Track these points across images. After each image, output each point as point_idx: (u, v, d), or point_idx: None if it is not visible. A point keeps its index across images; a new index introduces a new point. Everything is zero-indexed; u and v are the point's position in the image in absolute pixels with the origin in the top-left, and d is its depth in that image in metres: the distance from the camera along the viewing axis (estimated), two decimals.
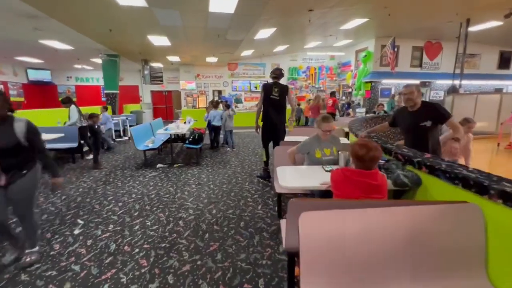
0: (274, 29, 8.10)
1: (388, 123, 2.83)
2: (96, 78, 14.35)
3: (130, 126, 9.12)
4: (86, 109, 7.69)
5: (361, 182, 1.58)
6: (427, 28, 10.27)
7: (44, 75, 13.55)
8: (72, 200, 3.54)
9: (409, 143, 2.44)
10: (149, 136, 5.72)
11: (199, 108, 10.99)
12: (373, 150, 1.56)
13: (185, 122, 6.43)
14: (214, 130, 6.51)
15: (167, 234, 2.64)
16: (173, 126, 5.52)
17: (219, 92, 13.69)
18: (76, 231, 2.69)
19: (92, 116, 5.14)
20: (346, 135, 4.66)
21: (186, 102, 12.28)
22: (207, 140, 6.98)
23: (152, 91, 14.70)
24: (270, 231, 2.67)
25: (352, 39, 11.73)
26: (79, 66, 12.56)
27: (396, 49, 10.57)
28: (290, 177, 2.19)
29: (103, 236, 2.60)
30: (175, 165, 5.07)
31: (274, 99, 4.06)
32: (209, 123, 6.47)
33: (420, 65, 12.14)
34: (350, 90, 13.09)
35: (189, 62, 12.31)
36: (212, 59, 11.26)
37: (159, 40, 7.74)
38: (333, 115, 8.45)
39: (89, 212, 3.16)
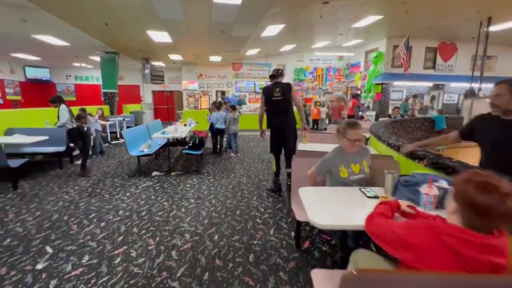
0: (283, 25, 7.51)
1: (458, 135, 2.07)
2: (96, 77, 13.82)
3: (128, 127, 8.59)
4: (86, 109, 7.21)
5: (478, 262, 0.83)
6: (442, 27, 9.63)
7: (42, 73, 13.06)
8: (47, 217, 2.93)
9: (495, 164, 1.69)
10: (145, 139, 5.15)
11: (201, 109, 10.45)
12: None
13: (185, 125, 5.85)
14: (217, 133, 5.98)
15: (155, 271, 2.02)
16: (171, 129, 4.92)
17: (222, 92, 13.13)
18: (40, 266, 2.07)
19: (80, 117, 4.53)
20: (365, 142, 4.16)
21: (188, 103, 11.73)
22: (209, 144, 6.44)
23: (153, 91, 14.17)
24: (288, 270, 2.04)
25: (362, 39, 11.12)
26: (78, 64, 12.06)
27: (409, 50, 9.96)
28: (320, 207, 1.58)
29: (73, 274, 1.99)
30: (173, 173, 4.48)
31: (276, 101, 3.48)
32: (211, 126, 5.95)
33: (434, 67, 11.48)
34: (359, 92, 12.47)
35: (191, 61, 11.77)
36: (215, 58, 10.71)
37: (159, 36, 7.18)
38: (351, 117, 8.07)
39: (63, 235, 2.56)
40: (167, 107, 14.42)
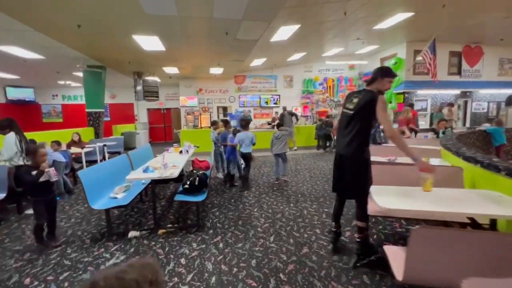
0: (298, 26, 6.18)
1: None
2: None
3: (113, 153, 7.05)
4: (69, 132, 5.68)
5: None
6: (468, 28, 8.34)
7: (26, 94, 11.64)
8: None
9: None
10: (123, 176, 3.58)
11: (201, 128, 9.01)
12: None
13: (181, 151, 4.32)
14: (242, 158, 4.64)
15: None
16: (158, 163, 3.26)
17: (224, 108, 11.74)
18: None
19: (32, 153, 2.96)
20: None
21: (186, 121, 10.28)
22: (211, 171, 4.89)
23: (148, 109, 12.76)
24: None
25: (378, 45, 9.85)
26: (62, 82, 10.69)
27: (435, 54, 8.67)
28: None
29: None
30: (160, 232, 2.86)
31: (346, 114, 2.29)
32: (232, 150, 4.54)
33: (459, 73, 10.16)
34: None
35: (189, 74, 10.44)
36: (216, 70, 9.37)
37: (149, 43, 5.80)
38: (414, 131, 6.76)
39: None
40: (164, 126, 12.94)
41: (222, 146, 5.06)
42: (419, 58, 9.24)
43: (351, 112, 2.18)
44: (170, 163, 3.28)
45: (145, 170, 2.98)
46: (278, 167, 4.80)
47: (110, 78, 10.29)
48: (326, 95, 11.80)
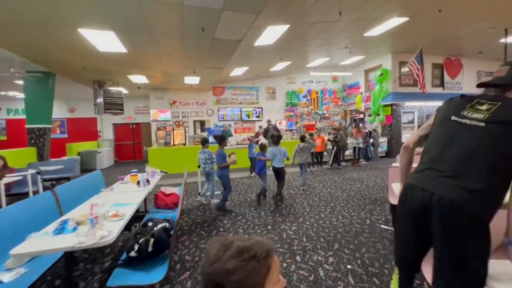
0: (287, 27, 5.31)
1: None
2: None
3: (57, 181, 5.49)
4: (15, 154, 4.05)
5: None
6: (450, 40, 8.11)
7: None
8: None
9: None
10: (42, 228, 2.17)
11: (174, 145, 7.63)
12: None
13: (139, 182, 3.05)
14: (275, 174, 4.40)
15: None
16: (83, 216, 1.82)
17: (202, 122, 10.53)
18: None
19: None
20: None
21: (157, 138, 8.85)
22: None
23: (115, 124, 11.11)
24: None
25: (363, 55, 9.41)
26: (3, 93, 8.84)
27: (423, 64, 8.32)
28: None
29: None
30: None
31: (466, 127, 1.16)
32: (262, 165, 4.34)
33: (442, 85, 10.00)
34: (361, 115, 10.57)
35: (161, 84, 9.15)
36: (192, 80, 8.22)
37: (103, 40, 4.51)
38: None
39: None
40: (133, 143, 11.33)
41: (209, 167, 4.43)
42: (405, 69, 8.86)
43: (483, 124, 1.12)
44: (111, 208, 2.01)
45: (61, 229, 1.69)
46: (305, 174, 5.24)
47: (66, 88, 8.72)
48: (310, 108, 11.10)
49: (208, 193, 4.58)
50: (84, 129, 10.73)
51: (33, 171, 4.18)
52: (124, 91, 9.24)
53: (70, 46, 4.81)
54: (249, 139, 7.44)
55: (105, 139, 10.73)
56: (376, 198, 4.50)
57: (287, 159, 4.37)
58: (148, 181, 3.15)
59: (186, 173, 3.82)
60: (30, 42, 4.56)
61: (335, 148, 7.33)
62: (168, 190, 3.36)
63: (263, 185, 4.44)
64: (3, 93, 8.76)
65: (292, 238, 2.96)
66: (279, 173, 4.30)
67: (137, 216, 2.88)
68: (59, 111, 10.57)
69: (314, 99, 11.12)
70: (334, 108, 11.57)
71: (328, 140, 7.54)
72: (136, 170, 3.72)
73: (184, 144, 7.68)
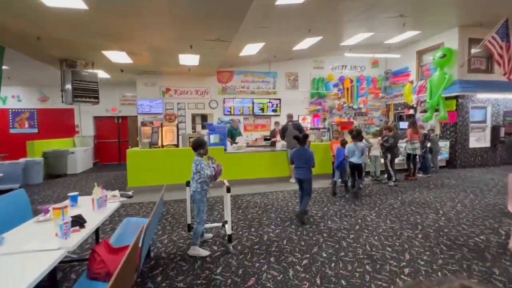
0: None
1: None
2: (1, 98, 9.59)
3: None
4: None
5: None
6: None
7: None
8: None
9: None
10: None
11: (163, 146, 6.32)
12: None
13: (65, 225, 1.75)
14: (352, 170, 5.06)
15: None
16: None
17: (203, 117, 9.25)
18: None
19: None
20: None
21: (142, 135, 7.49)
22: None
23: (96, 118, 10.06)
24: None
25: (419, 30, 7.77)
26: None
27: (510, 40, 6.66)
28: None
29: None
30: None
31: None
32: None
33: None
34: (410, 111, 8.97)
35: (150, 67, 7.87)
36: (190, 59, 6.86)
37: None
38: None
39: None
40: (119, 142, 10.22)
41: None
42: (478, 49, 7.24)
43: None
44: None
45: None
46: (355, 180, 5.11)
47: (35, 72, 7.63)
48: (342, 100, 9.59)
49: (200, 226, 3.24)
50: (58, 123, 9.65)
51: None
52: (104, 74, 8.10)
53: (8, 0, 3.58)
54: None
55: (84, 136, 9.63)
56: (476, 242, 3.03)
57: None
58: (80, 224, 1.82)
59: (163, 195, 2.52)
60: None
61: (388, 156, 5.86)
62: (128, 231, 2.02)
63: (343, 178, 5.20)
64: None
65: None
66: (359, 169, 4.98)
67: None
68: (28, 100, 9.59)
69: (347, 89, 9.59)
70: (372, 102, 9.98)
71: (381, 143, 6.06)
72: (76, 194, 2.43)
73: (176, 146, 6.40)
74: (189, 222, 3.44)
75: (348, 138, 5.81)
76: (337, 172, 5.27)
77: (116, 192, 2.65)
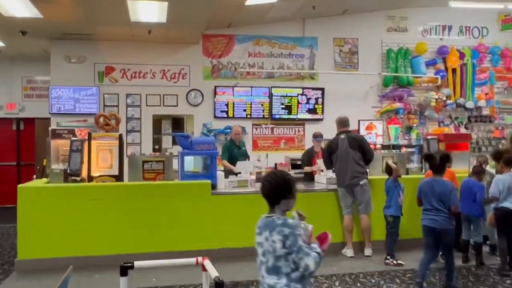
0: None
1: None
2: None
3: None
4: None
5: None
6: None
7: None
8: None
9: None
10: None
11: (91, 179, 5.10)
12: None
13: None
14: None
15: None
16: None
17: (176, 121, 7.28)
18: None
19: None
20: None
21: (54, 154, 6.05)
22: None
23: None
24: None
25: None
26: None
27: None
28: None
29: None
30: None
31: None
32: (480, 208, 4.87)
33: None
34: None
35: (74, 24, 5.74)
36: (149, 10, 5.65)
37: None
38: None
39: None
40: (18, 165, 8.57)
41: None
42: None
43: None
44: None
45: None
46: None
47: None
48: (445, 93, 7.77)
49: None
50: None
51: None
52: None
53: None
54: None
55: None
56: None
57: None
58: None
59: None
60: None
61: None
62: None
63: (473, 236, 4.86)
64: None
65: None
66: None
67: None
68: None
69: (453, 70, 7.68)
70: (504, 95, 7.97)
71: None
72: None
73: (117, 178, 5.47)
74: None
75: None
76: (466, 225, 4.94)
77: None
